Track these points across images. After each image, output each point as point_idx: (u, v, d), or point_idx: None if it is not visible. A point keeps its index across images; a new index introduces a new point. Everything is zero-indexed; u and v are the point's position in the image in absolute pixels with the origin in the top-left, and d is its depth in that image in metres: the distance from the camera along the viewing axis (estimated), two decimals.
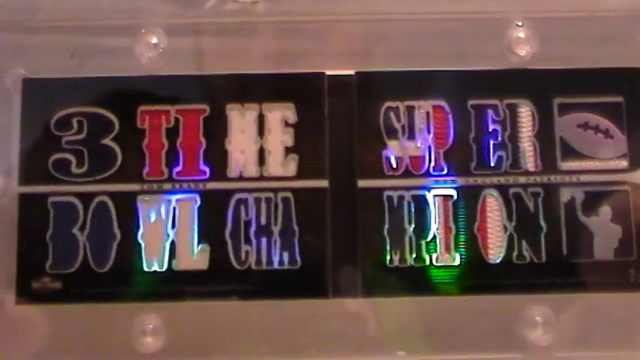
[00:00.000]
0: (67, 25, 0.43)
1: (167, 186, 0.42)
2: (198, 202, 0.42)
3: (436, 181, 0.43)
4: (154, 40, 0.43)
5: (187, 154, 0.42)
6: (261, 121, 0.43)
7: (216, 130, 0.42)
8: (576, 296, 0.42)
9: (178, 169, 0.42)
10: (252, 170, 0.42)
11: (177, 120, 0.42)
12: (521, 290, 0.42)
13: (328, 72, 0.43)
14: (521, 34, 0.43)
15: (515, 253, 0.42)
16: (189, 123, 0.42)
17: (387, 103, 0.43)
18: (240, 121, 0.43)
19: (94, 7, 0.43)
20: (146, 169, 0.42)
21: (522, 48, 0.43)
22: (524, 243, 0.42)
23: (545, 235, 0.42)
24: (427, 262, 0.42)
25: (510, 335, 0.42)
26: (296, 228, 0.42)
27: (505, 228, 0.42)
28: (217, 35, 0.43)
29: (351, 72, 0.43)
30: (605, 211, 0.43)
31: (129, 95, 0.43)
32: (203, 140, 0.42)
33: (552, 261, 0.42)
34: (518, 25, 0.43)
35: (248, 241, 0.42)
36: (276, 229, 0.42)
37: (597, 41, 0.44)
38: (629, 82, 0.43)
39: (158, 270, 0.41)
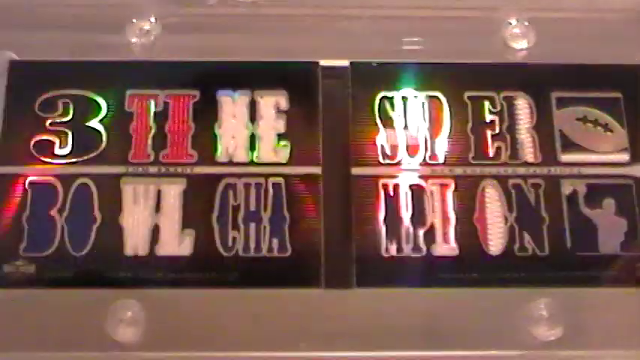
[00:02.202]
0: (60, 10, 0.42)
1: (153, 169, 0.40)
2: (185, 186, 0.40)
3: (433, 170, 0.41)
4: (147, 27, 0.42)
5: (175, 138, 0.41)
6: (253, 107, 0.42)
7: (207, 115, 0.41)
8: (582, 291, 0.40)
9: (165, 152, 0.41)
10: (243, 155, 0.41)
11: (166, 104, 0.41)
12: (525, 284, 0.40)
13: (322, 62, 0.42)
14: (518, 30, 0.43)
15: (517, 245, 0.40)
16: (178, 107, 0.41)
17: (382, 93, 0.42)
18: (232, 106, 0.41)
19: None
20: (132, 152, 0.40)
21: (519, 43, 0.43)
22: (526, 235, 0.40)
23: (547, 227, 0.40)
24: (425, 253, 0.40)
25: (514, 330, 0.39)
26: (287, 215, 0.40)
27: (506, 219, 0.41)
28: (212, 24, 0.43)
29: (346, 62, 0.42)
30: (609, 204, 0.41)
31: (118, 79, 0.42)
32: (192, 125, 0.41)
33: (556, 254, 0.40)
34: (514, 22, 0.43)
35: (236, 226, 0.40)
36: (265, 216, 0.40)
37: (595, 38, 0.44)
38: (627, 78, 0.43)
39: (139, 255, 0.39)
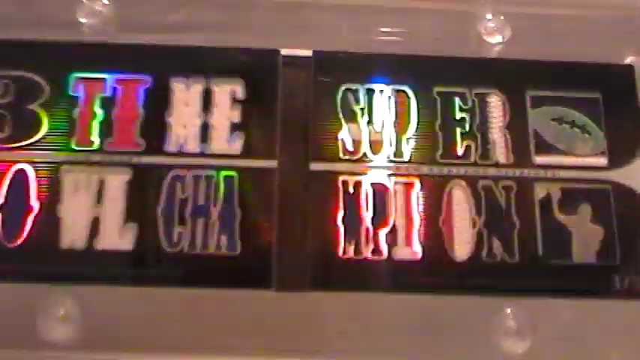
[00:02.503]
0: None
1: (96, 157, 0.38)
2: (130, 177, 0.37)
3: (398, 168, 0.38)
4: (98, 7, 0.40)
5: (122, 125, 0.38)
6: (207, 95, 0.39)
7: (158, 102, 0.39)
8: (553, 302, 0.37)
9: (110, 140, 0.38)
10: (194, 146, 0.38)
11: (115, 89, 0.39)
12: (492, 292, 0.37)
13: (284, 50, 0.40)
14: (493, 24, 0.41)
15: (484, 251, 0.37)
16: (128, 93, 0.39)
17: (346, 85, 0.39)
18: (185, 94, 0.39)
19: None
20: (75, 139, 0.38)
21: (494, 38, 0.41)
22: (495, 240, 0.38)
23: (518, 232, 0.38)
24: (385, 255, 0.37)
25: (478, 341, 0.36)
26: (238, 210, 0.37)
27: (474, 222, 0.38)
28: (169, 6, 0.40)
29: (309, 52, 0.40)
30: (585, 210, 0.38)
31: (64, 61, 0.39)
32: (141, 112, 0.38)
33: (527, 262, 0.37)
34: (490, 16, 0.41)
35: (182, 221, 0.37)
36: (215, 211, 0.37)
37: (574, 36, 0.41)
38: (606, 77, 0.40)
39: (76, 248, 0.36)
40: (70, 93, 0.38)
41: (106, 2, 0.40)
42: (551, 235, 0.38)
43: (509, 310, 0.36)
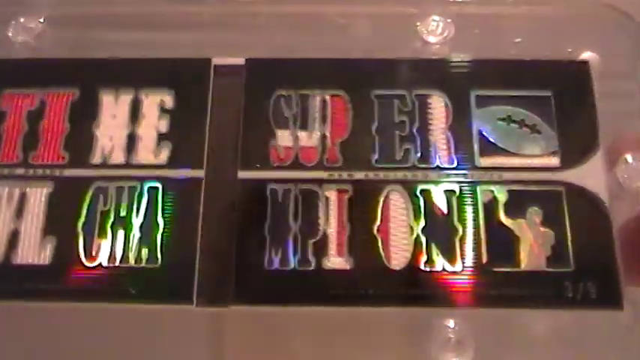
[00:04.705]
0: None
1: (20, 171, 0.37)
2: (51, 189, 0.36)
3: (330, 174, 0.36)
4: (31, 25, 0.40)
5: (47, 139, 0.37)
6: (135, 106, 0.38)
7: (85, 114, 0.38)
8: (499, 312, 0.34)
9: (34, 153, 0.37)
10: (119, 157, 0.37)
11: (43, 103, 0.38)
12: (431, 303, 0.34)
13: (216, 60, 0.38)
14: (434, 23, 0.39)
15: (423, 259, 0.35)
16: (54, 106, 0.38)
17: (279, 92, 0.38)
18: (113, 106, 0.38)
19: None
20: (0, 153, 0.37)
21: (436, 37, 0.39)
22: (434, 247, 0.35)
23: (460, 239, 0.35)
24: (313, 266, 0.35)
25: (416, 356, 0.33)
26: (160, 221, 0.36)
27: (411, 229, 0.35)
28: (100, 21, 0.40)
29: (241, 60, 0.38)
30: (534, 213, 0.35)
31: None
32: (68, 125, 0.37)
33: (470, 269, 0.34)
34: (431, 15, 0.39)
35: (103, 234, 0.35)
36: (137, 222, 0.36)
37: (521, 33, 0.39)
38: (559, 75, 0.38)
39: None
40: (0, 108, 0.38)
41: (41, 21, 0.40)
42: (497, 241, 0.35)
43: (450, 322, 0.34)
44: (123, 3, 0.40)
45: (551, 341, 0.33)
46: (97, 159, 0.37)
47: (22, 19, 0.40)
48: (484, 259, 0.35)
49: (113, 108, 0.38)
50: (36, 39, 0.39)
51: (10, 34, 0.39)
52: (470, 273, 0.34)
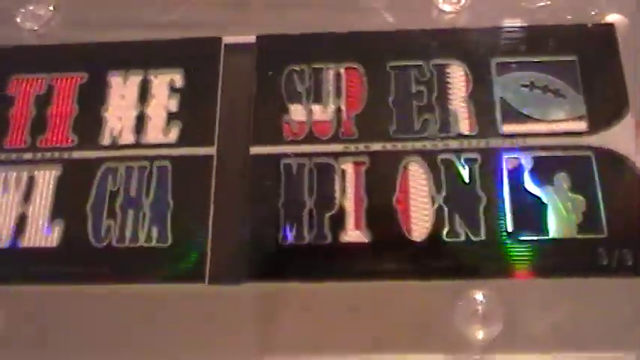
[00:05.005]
0: None
1: (27, 155, 0.36)
2: (60, 172, 0.35)
3: (346, 147, 0.35)
4: (41, 12, 0.39)
5: (56, 122, 0.36)
6: (144, 86, 0.37)
7: (94, 96, 0.37)
8: (527, 282, 0.32)
9: (42, 137, 0.36)
10: (129, 137, 0.36)
11: (50, 87, 0.37)
12: (456, 275, 0.32)
13: (226, 38, 0.37)
14: None
15: (445, 230, 0.33)
16: (63, 90, 0.37)
17: (290, 67, 0.37)
18: (122, 87, 0.37)
19: None
20: (7, 138, 0.36)
21: (452, 6, 0.37)
22: (457, 217, 0.33)
23: (484, 208, 0.33)
24: (329, 240, 0.33)
25: (441, 329, 0.31)
26: (171, 201, 0.34)
27: (432, 200, 0.34)
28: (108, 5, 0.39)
29: (252, 37, 0.37)
30: (562, 179, 0.33)
31: (3, 63, 0.38)
32: (76, 107, 0.37)
33: (495, 239, 0.33)
34: None
35: (112, 214, 0.34)
36: (147, 202, 0.34)
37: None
38: (583, 39, 0.36)
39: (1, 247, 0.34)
40: (8, 94, 0.37)
41: (51, 9, 0.39)
42: (523, 209, 0.33)
43: (476, 294, 0.32)
44: None
45: (586, 310, 0.31)
46: (106, 140, 0.36)
47: (30, 7, 0.39)
48: (510, 228, 0.33)
49: (122, 89, 0.37)
50: (44, 26, 0.39)
51: (18, 21, 0.39)
52: (496, 242, 0.32)
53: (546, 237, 0.32)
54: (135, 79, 0.37)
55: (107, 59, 0.38)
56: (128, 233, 0.34)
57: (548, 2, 0.37)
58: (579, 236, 0.32)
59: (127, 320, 0.32)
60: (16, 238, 0.34)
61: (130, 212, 0.34)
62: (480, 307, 0.31)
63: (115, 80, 0.37)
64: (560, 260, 0.32)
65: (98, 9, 0.39)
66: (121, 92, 0.37)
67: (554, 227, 0.33)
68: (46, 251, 0.34)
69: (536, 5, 0.37)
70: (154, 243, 0.34)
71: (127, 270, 0.33)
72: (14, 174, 0.35)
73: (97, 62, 0.38)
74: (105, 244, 0.34)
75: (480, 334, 0.31)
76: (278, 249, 0.33)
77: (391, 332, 0.31)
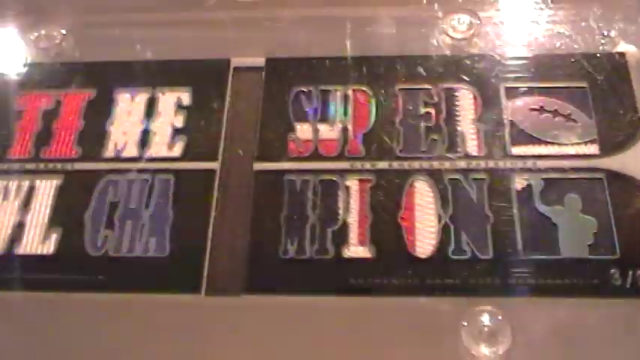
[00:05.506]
0: None
1: (30, 166, 0.36)
2: (61, 182, 0.35)
3: (352, 164, 0.34)
4: (55, 33, 0.40)
5: (60, 135, 0.36)
6: (151, 103, 0.37)
7: (100, 111, 0.37)
8: (536, 302, 0.30)
9: (46, 148, 0.36)
10: (133, 151, 0.35)
11: (58, 103, 0.37)
12: (461, 292, 0.31)
13: (235, 60, 0.38)
14: (460, 21, 0.38)
15: (451, 247, 0.32)
16: (70, 105, 0.37)
17: (298, 87, 0.36)
18: (129, 103, 0.37)
19: None
20: (11, 149, 0.36)
21: (461, 34, 0.37)
22: (464, 235, 0.32)
23: (492, 227, 0.32)
24: (331, 255, 0.32)
25: (446, 348, 0.30)
26: (170, 212, 0.34)
27: (439, 217, 0.33)
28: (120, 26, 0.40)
29: (261, 60, 0.38)
30: (573, 200, 0.33)
31: (13, 82, 0.38)
32: (82, 122, 0.37)
33: (503, 257, 0.31)
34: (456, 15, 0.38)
35: (110, 225, 0.33)
36: (146, 213, 0.34)
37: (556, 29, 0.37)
38: (594, 67, 0.36)
39: None
40: (16, 109, 0.37)
41: (64, 32, 0.40)
42: (533, 229, 0.32)
43: (483, 312, 0.30)
44: (142, 9, 0.40)
45: (595, 331, 0.29)
46: (109, 153, 0.36)
47: (43, 31, 0.40)
48: (519, 247, 0.32)
49: (129, 105, 0.37)
50: (57, 46, 0.39)
51: (32, 39, 0.39)
52: (503, 261, 0.31)
53: (557, 256, 0.31)
54: (142, 97, 0.37)
55: (115, 77, 0.38)
56: (125, 243, 0.33)
57: (559, 32, 0.37)
58: (590, 257, 0.31)
59: (121, 329, 0.31)
60: (13, 244, 0.33)
61: (129, 223, 0.34)
62: (486, 326, 0.30)
63: (123, 97, 0.37)
64: (570, 280, 0.31)
65: (108, 29, 0.40)
66: (128, 108, 0.37)
67: (565, 247, 0.31)
68: (42, 258, 0.33)
69: (546, 34, 0.37)
70: (151, 253, 0.33)
71: (123, 279, 0.32)
72: (16, 183, 0.35)
73: (106, 79, 0.38)
74: (101, 253, 0.33)
75: (484, 354, 0.29)
76: (278, 262, 0.32)
77: (394, 349, 0.30)
